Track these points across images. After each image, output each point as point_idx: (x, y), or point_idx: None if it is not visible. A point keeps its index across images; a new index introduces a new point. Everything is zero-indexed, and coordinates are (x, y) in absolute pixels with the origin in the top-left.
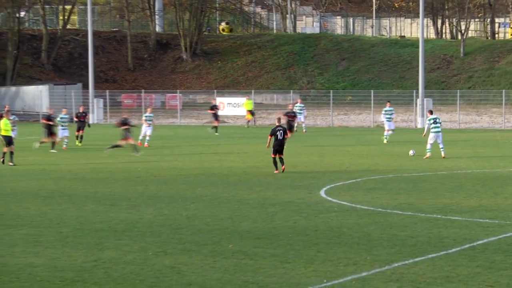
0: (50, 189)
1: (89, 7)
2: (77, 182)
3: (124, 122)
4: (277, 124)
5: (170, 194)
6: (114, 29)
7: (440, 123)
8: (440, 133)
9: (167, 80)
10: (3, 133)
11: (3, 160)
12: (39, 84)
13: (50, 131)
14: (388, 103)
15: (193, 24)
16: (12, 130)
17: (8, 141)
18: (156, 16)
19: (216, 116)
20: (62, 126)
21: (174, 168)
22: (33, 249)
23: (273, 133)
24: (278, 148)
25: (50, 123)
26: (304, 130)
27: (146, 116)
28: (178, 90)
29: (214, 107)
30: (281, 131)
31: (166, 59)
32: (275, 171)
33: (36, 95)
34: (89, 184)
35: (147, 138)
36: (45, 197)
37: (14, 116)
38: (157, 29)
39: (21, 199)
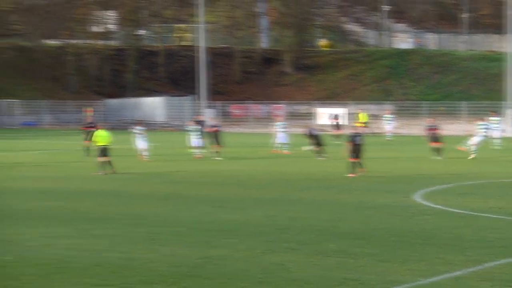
0: (166, 192)
1: (202, 26)
2: (191, 185)
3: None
4: (354, 131)
5: (274, 197)
6: (224, 45)
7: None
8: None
9: (271, 92)
10: (99, 143)
11: (105, 171)
12: (156, 96)
13: (217, 140)
14: (493, 113)
15: (295, 40)
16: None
17: (103, 151)
18: (262, 34)
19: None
20: (196, 135)
21: (279, 173)
22: (152, 246)
23: (351, 140)
24: (356, 153)
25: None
26: (389, 138)
27: (279, 124)
28: (282, 101)
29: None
30: (359, 137)
31: (270, 73)
32: (351, 175)
33: (153, 106)
34: (202, 188)
35: (285, 145)
36: (161, 199)
37: (141, 127)
38: (263, 45)
39: (141, 201)
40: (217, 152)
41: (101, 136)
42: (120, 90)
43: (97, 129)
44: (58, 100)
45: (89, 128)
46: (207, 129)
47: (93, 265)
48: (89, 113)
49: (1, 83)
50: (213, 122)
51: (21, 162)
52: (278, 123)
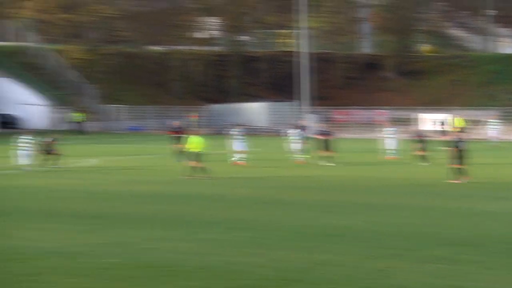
0: (270, 197)
1: (304, 31)
2: (294, 190)
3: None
4: (456, 137)
5: (378, 202)
6: (326, 51)
7: None
8: None
9: (373, 98)
10: (193, 149)
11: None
12: (258, 101)
13: (328, 146)
14: None
15: (398, 45)
16: (240, 141)
17: (196, 156)
18: (364, 39)
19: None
20: (296, 141)
21: (383, 178)
22: (257, 250)
23: (454, 145)
24: (459, 159)
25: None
26: (495, 143)
27: (387, 130)
28: (384, 107)
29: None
30: (462, 143)
31: (372, 78)
32: (454, 181)
33: (255, 111)
34: (305, 193)
35: (393, 151)
36: (266, 204)
37: (242, 130)
38: (365, 50)
39: (243, 205)
40: (327, 157)
41: (195, 142)
42: (223, 95)
43: (184, 133)
44: (163, 105)
45: (177, 133)
46: (317, 135)
47: (199, 269)
48: (193, 118)
49: (109, 89)
50: (324, 128)
51: (128, 166)
52: (387, 128)
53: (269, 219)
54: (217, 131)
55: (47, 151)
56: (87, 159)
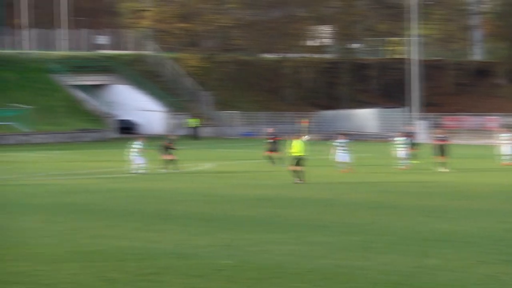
0: (378, 201)
1: (415, 39)
2: (402, 195)
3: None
4: None
5: (488, 208)
6: (437, 58)
7: None
8: None
9: (483, 104)
10: (295, 153)
11: (298, 180)
12: (368, 108)
13: (443, 151)
14: None
15: (509, 52)
16: (343, 152)
17: (298, 161)
18: (475, 46)
19: None
20: (402, 147)
21: (495, 184)
22: (366, 254)
23: None
24: None
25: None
26: None
27: (504, 136)
28: (495, 113)
29: None
30: None
31: (483, 85)
32: None
33: (365, 118)
34: (413, 197)
35: (509, 157)
36: (375, 208)
37: (343, 140)
38: (476, 57)
39: (353, 209)
40: (442, 163)
41: (297, 146)
42: (334, 101)
43: (278, 140)
44: (275, 111)
45: (273, 139)
46: (435, 141)
47: (308, 271)
48: (303, 124)
49: (223, 96)
50: (441, 134)
51: (240, 170)
52: (503, 134)
53: (378, 224)
54: (327, 137)
55: (165, 154)
56: (201, 163)
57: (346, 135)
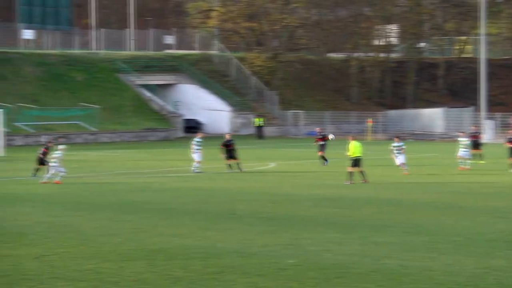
0: (444, 201)
1: (483, 38)
2: (468, 196)
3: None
4: None
5: None
6: (506, 57)
7: None
8: None
9: None
10: (352, 155)
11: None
12: (435, 107)
13: None
14: None
15: None
16: (399, 153)
17: (356, 162)
18: None
19: None
20: (464, 147)
21: None
22: (430, 254)
23: None
24: None
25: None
26: None
27: (462, 140)
28: None
29: None
30: None
31: None
32: None
33: (432, 117)
34: (479, 198)
35: None
36: (440, 209)
37: (398, 143)
38: None
39: (417, 209)
40: None
41: (355, 147)
42: (400, 101)
43: (324, 140)
44: (341, 110)
45: (321, 139)
46: (507, 142)
47: (372, 271)
48: (369, 124)
49: (289, 95)
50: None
51: (304, 170)
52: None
53: (443, 224)
54: (392, 136)
55: (229, 154)
56: (265, 162)
57: (400, 137)
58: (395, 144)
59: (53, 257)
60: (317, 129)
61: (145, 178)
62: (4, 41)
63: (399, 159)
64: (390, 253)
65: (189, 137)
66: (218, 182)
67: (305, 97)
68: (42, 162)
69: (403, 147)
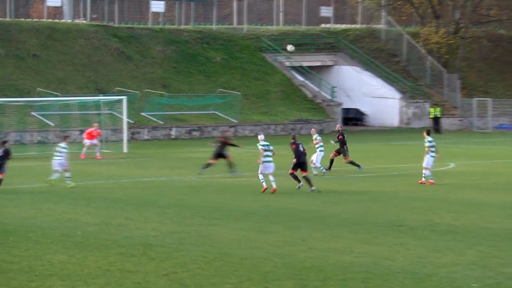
0: None
1: None
2: None
3: None
4: None
5: None
6: None
7: None
8: None
9: None
10: None
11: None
12: None
13: None
14: None
15: None
16: None
17: None
18: None
19: None
20: None
21: None
22: None
23: None
24: None
25: None
26: None
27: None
28: None
29: None
30: None
31: None
32: None
33: None
34: None
35: None
36: None
37: None
38: None
39: None
40: None
41: None
42: None
43: None
44: None
45: None
46: None
47: None
48: None
49: (473, 79)
50: None
51: (494, 172)
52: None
53: None
54: None
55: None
56: (443, 162)
57: None
58: None
59: (184, 274)
60: None
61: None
62: (129, 15)
63: None
64: None
65: (348, 131)
66: (381, 184)
67: (494, 82)
68: (219, 155)
69: None
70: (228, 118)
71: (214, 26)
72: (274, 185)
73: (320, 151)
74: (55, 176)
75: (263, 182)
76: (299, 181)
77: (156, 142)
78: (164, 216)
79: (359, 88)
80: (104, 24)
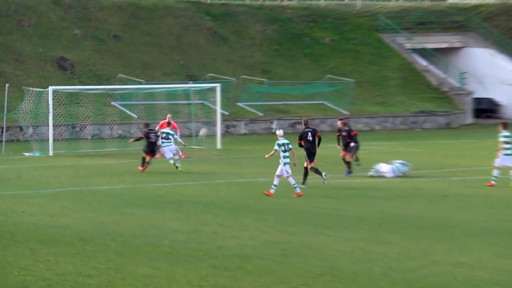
0: None
1: None
2: None
3: None
4: None
5: None
6: None
7: None
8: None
9: None
10: None
11: None
12: None
13: None
14: None
15: None
16: None
17: None
18: None
19: None
20: None
21: None
22: None
23: None
24: None
25: None
26: None
27: None
28: None
29: None
30: None
31: None
32: None
33: None
34: None
35: None
36: None
37: None
38: None
39: None
40: None
41: None
42: None
43: None
44: None
45: None
46: None
47: None
48: None
49: None
50: None
51: None
52: None
53: None
54: None
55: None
56: None
57: None
58: None
59: None
60: None
61: (414, 181)
62: None
63: None
64: None
65: (481, 124)
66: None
67: None
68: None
69: None
70: (338, 109)
71: (322, 2)
72: (298, 191)
73: None
74: (177, 163)
75: (274, 187)
76: (320, 174)
77: (254, 136)
78: (264, 223)
79: (493, 74)
80: (196, 0)
